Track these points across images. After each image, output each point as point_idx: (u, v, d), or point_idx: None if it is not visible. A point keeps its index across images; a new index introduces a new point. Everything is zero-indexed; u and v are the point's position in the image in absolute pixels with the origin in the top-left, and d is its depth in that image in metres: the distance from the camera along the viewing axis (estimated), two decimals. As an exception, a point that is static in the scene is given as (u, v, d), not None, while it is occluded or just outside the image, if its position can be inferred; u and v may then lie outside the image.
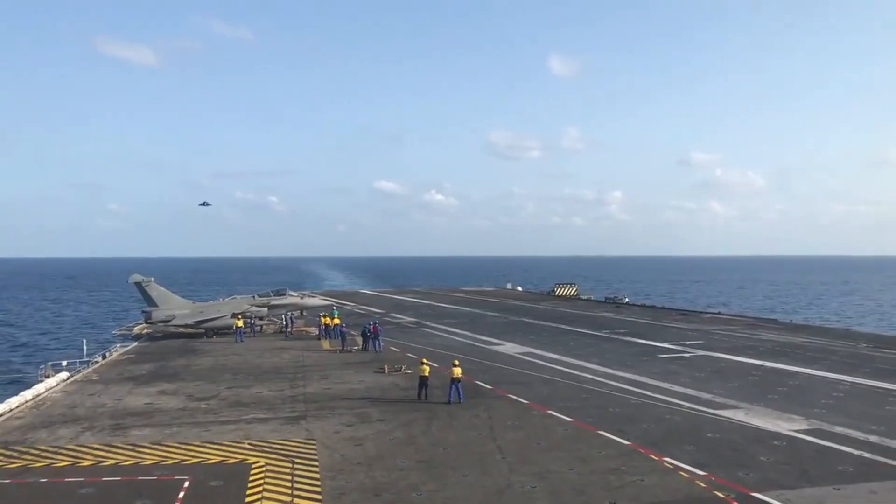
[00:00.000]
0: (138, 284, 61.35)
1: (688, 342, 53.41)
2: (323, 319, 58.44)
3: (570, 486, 21.21)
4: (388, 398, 34.20)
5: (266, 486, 21.30)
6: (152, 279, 62.04)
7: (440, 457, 24.32)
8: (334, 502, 20.04)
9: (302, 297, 70.53)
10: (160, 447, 25.76)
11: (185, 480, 21.78)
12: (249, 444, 26.12)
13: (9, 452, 25.22)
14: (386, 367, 41.85)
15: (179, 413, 31.57)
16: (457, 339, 56.37)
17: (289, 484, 21.54)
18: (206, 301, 73.61)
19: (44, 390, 37.06)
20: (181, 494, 20.63)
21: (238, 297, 70.50)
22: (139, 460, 24.16)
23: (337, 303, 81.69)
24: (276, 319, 65.16)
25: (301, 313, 67.11)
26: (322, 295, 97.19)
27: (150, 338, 60.29)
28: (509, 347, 51.03)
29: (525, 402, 32.80)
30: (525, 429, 27.94)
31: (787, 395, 34.00)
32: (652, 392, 34.86)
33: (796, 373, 40.35)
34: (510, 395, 34.11)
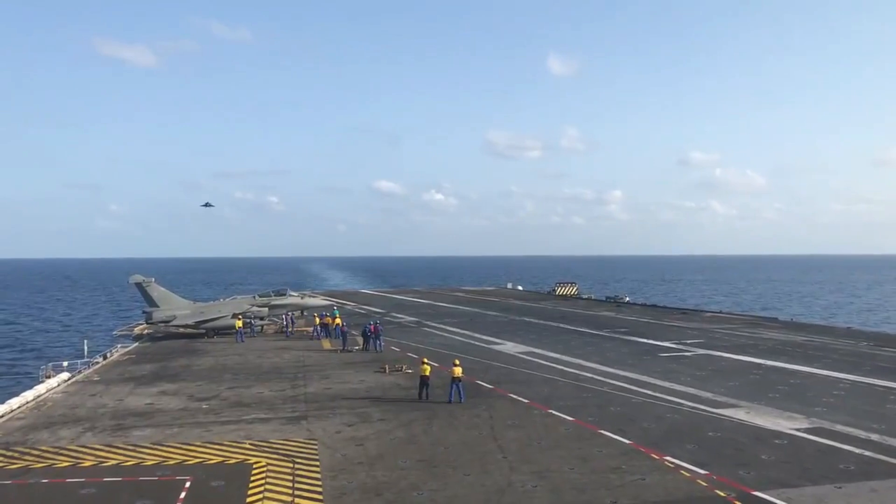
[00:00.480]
0: (139, 285, 61.38)
1: (688, 341, 53.41)
2: (316, 319, 58.56)
3: (571, 485, 21.22)
4: (388, 398, 34.22)
5: (267, 486, 21.31)
6: (153, 279, 62.08)
7: (441, 456, 24.33)
8: (335, 502, 20.05)
9: (302, 297, 70.49)
10: (161, 447, 25.77)
11: (186, 481, 21.79)
12: (250, 444, 26.13)
13: (10, 453, 25.23)
14: (387, 366, 41.86)
15: (180, 413, 31.59)
16: (457, 338, 56.38)
17: (290, 484, 21.55)
18: (206, 301, 73.66)
19: (45, 391, 37.07)
20: (182, 495, 20.63)
21: (239, 297, 70.48)
22: (140, 461, 24.17)
23: (337, 302, 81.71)
24: (276, 319, 65.19)
25: (302, 313, 67.14)
26: (322, 295, 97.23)
27: (151, 338, 60.30)
28: (510, 347, 51.04)
29: (526, 401, 32.80)
30: (526, 428, 27.95)
31: (788, 394, 34.01)
32: (653, 391, 34.86)
33: (797, 371, 40.35)
34: (511, 395, 34.12)
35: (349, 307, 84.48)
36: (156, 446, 25.94)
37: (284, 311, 63.86)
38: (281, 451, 25.04)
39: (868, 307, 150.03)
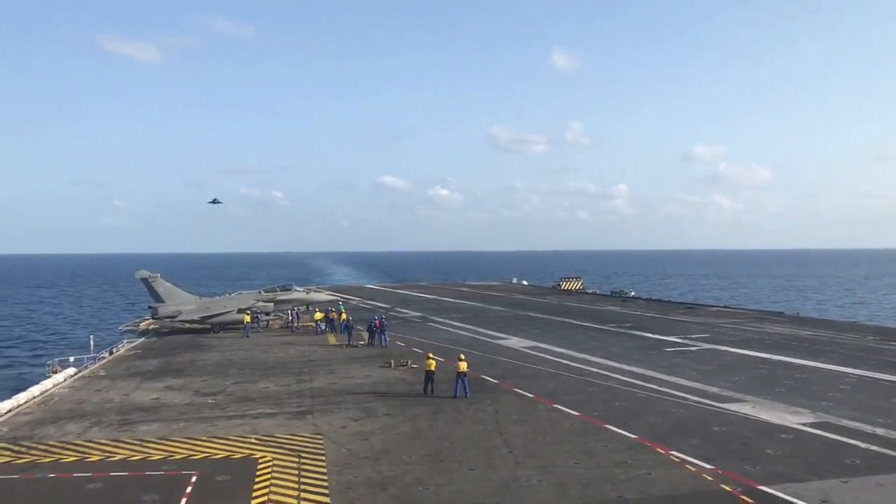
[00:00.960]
0: (145, 280, 61.50)
1: (694, 335, 53.32)
2: (317, 315, 58.84)
3: (576, 479, 21.22)
4: (394, 392, 34.26)
5: (273, 481, 21.35)
6: (158, 275, 62.17)
7: (446, 451, 24.35)
8: (341, 496, 20.08)
9: (308, 293, 70.55)
10: (167, 442, 25.85)
11: (192, 475, 21.85)
12: (256, 438, 26.20)
13: (17, 448, 25.33)
14: (392, 361, 41.90)
15: (186, 408, 31.68)
16: (462, 333, 56.38)
17: (296, 478, 21.61)
18: (212, 297, 73.79)
19: (51, 386, 37.20)
20: (189, 489, 20.69)
21: (244, 292, 70.69)
22: (146, 455, 24.25)
23: (342, 298, 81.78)
24: (281, 314, 65.32)
25: (307, 308, 67.25)
26: (328, 290, 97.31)
27: (157, 333, 60.46)
28: (515, 341, 51.03)
29: (531, 395, 32.81)
30: (531, 422, 27.95)
31: (794, 389, 33.93)
32: (658, 385, 34.83)
33: (803, 366, 40.26)
34: (516, 389, 34.13)
35: (354, 302, 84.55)
36: (162, 441, 26.02)
37: (290, 307, 64.01)
38: (287, 446, 25.09)
39: (860, 301, 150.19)
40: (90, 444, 25.73)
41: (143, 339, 57.17)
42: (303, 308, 66.03)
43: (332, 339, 53.77)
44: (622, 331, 57.07)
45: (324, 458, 23.67)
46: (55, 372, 40.90)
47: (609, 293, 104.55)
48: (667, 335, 53.62)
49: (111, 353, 49.74)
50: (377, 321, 51.21)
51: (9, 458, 24.06)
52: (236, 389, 35.67)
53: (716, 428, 26.92)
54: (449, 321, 65.00)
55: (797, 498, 19.51)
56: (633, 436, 25.78)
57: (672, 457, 23.22)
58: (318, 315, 58.86)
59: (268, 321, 63.73)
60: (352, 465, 22.78)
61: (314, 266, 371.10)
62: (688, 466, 22.27)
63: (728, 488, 20.24)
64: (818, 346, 47.38)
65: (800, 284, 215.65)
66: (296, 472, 22.24)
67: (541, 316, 69.50)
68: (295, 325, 60.88)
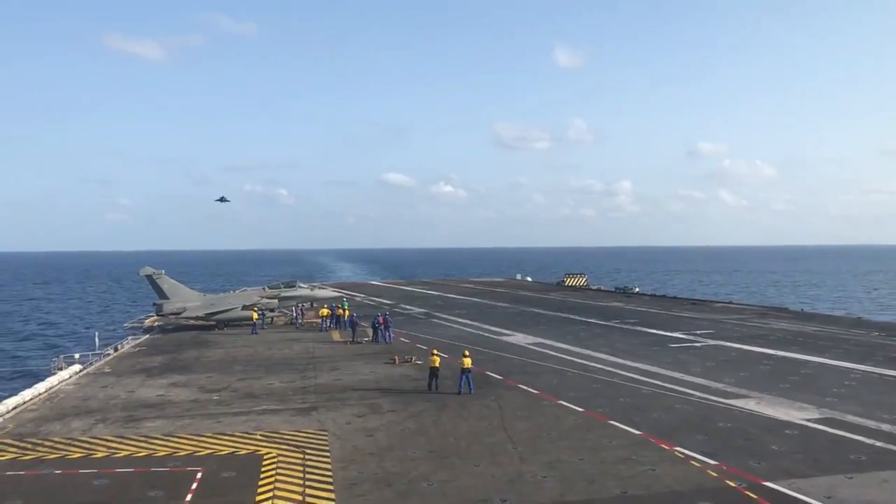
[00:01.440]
0: (149, 277, 61.62)
1: (698, 331, 53.23)
2: (322, 311, 58.88)
3: (580, 475, 21.21)
4: (398, 389, 34.29)
5: (278, 477, 21.39)
6: (163, 272, 62.28)
7: (451, 447, 24.36)
8: (346, 492, 20.11)
9: (312, 289, 70.66)
10: (172, 439, 25.92)
11: (197, 471, 21.91)
12: (261, 435, 26.25)
13: (23, 444, 25.41)
14: (396, 357, 41.93)
15: (191, 405, 31.75)
16: (466, 329, 56.39)
17: (301, 474, 21.65)
18: (216, 293, 73.90)
19: (57, 383, 37.33)
20: (194, 485, 20.74)
21: (248, 289, 70.72)
22: (152, 452, 24.33)
23: (346, 294, 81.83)
24: (286, 311, 65.38)
25: (311, 305, 67.30)
26: (332, 286, 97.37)
27: (162, 330, 60.58)
28: (519, 338, 51.01)
29: (535, 392, 32.81)
30: (535, 419, 27.95)
31: (799, 384, 33.87)
32: (663, 381, 34.79)
33: (807, 361, 40.17)
34: (520, 386, 34.13)
35: (358, 299, 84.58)
36: (167, 437, 26.09)
37: (294, 303, 64.06)
38: (291, 442, 25.13)
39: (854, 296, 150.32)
40: (95, 441, 25.82)
41: (147, 336, 57.28)
42: (307, 304, 66.06)
43: (336, 336, 53.83)
44: (627, 327, 57.01)
45: (328, 454, 23.70)
46: (60, 369, 41.02)
47: (613, 289, 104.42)
48: (671, 331, 53.54)
49: (116, 349, 49.87)
50: (381, 318, 51.25)
51: (15, 455, 24.14)
52: (241, 386, 35.73)
53: (721, 424, 26.88)
54: (453, 317, 65.00)
55: (802, 494, 19.47)
56: (637, 432, 25.76)
57: (677, 453, 23.20)
58: (325, 311, 58.91)
59: (272, 318, 63.82)
60: (356, 462, 22.80)
61: (318, 263, 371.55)
62: (693, 462, 22.24)
63: (733, 484, 20.22)
64: (823, 342, 47.27)
65: (799, 280, 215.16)
66: (301, 468, 22.28)
67: (545, 312, 69.47)
68: (299, 321, 60.97)
